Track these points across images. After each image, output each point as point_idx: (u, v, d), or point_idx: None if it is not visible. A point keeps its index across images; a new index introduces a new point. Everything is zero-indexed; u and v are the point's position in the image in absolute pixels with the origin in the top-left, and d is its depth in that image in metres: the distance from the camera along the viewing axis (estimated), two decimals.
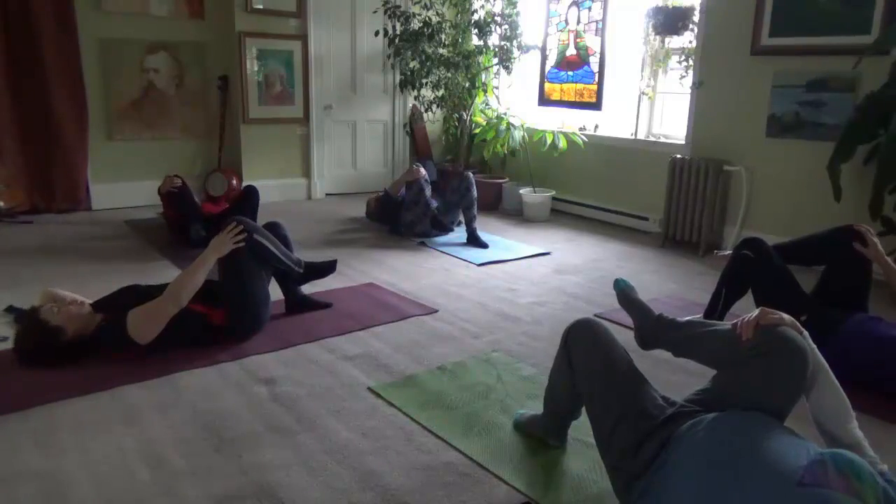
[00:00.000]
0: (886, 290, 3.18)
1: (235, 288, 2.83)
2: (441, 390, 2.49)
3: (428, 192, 4.78)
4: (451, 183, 4.86)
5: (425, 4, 5.66)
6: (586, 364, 1.85)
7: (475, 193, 4.68)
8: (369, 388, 2.49)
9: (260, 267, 2.93)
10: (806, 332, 1.61)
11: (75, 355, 2.59)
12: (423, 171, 4.83)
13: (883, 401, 2.46)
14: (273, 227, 3.16)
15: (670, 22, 4.80)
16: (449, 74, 5.81)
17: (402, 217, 4.78)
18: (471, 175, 4.74)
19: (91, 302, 2.73)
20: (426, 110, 6.17)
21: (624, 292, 2.25)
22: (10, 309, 3.14)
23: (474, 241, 4.61)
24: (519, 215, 5.72)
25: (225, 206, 4.87)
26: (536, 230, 5.25)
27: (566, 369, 1.93)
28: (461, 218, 4.82)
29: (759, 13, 4.29)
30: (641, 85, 5.21)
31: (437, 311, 3.35)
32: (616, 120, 5.54)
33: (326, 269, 3.29)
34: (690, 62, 4.81)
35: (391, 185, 5.06)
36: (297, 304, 3.24)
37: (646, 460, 1.56)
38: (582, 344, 1.89)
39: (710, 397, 1.64)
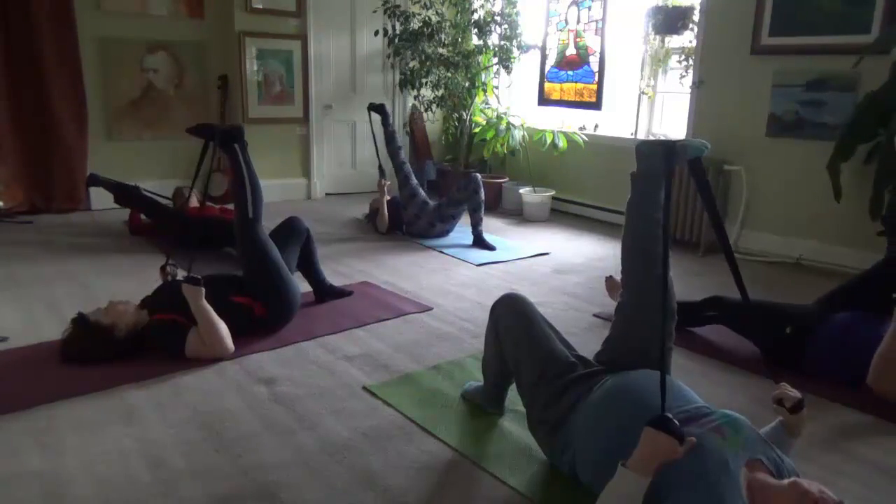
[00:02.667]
0: None
1: (268, 280, 2.92)
2: (438, 389, 2.49)
3: (414, 181, 4.83)
4: (458, 182, 4.85)
5: (425, 4, 5.66)
6: (511, 333, 2.05)
7: (482, 196, 4.65)
8: (365, 388, 2.49)
9: (285, 257, 3.09)
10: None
11: (131, 350, 2.63)
12: (383, 181, 4.86)
13: (884, 401, 2.45)
14: (294, 223, 3.35)
15: (670, 21, 4.80)
16: (449, 74, 5.80)
17: (403, 216, 4.79)
18: (479, 177, 4.71)
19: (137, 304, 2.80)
20: (426, 110, 6.17)
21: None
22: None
23: (480, 242, 4.60)
24: (519, 215, 5.72)
25: (212, 208, 4.79)
26: (536, 230, 5.25)
27: (494, 339, 2.14)
28: (463, 223, 4.83)
29: (759, 13, 4.29)
30: (641, 84, 5.21)
31: (431, 308, 3.36)
32: (616, 119, 5.54)
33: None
34: (690, 62, 4.81)
35: (379, 218, 4.88)
36: (326, 294, 3.42)
37: (563, 411, 1.81)
38: (506, 316, 2.08)
39: (614, 347, 1.95)
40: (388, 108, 6.43)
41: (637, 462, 1.41)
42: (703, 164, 1.80)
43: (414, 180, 4.87)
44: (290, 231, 3.31)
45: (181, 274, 2.76)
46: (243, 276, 2.98)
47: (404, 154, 4.97)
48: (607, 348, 1.98)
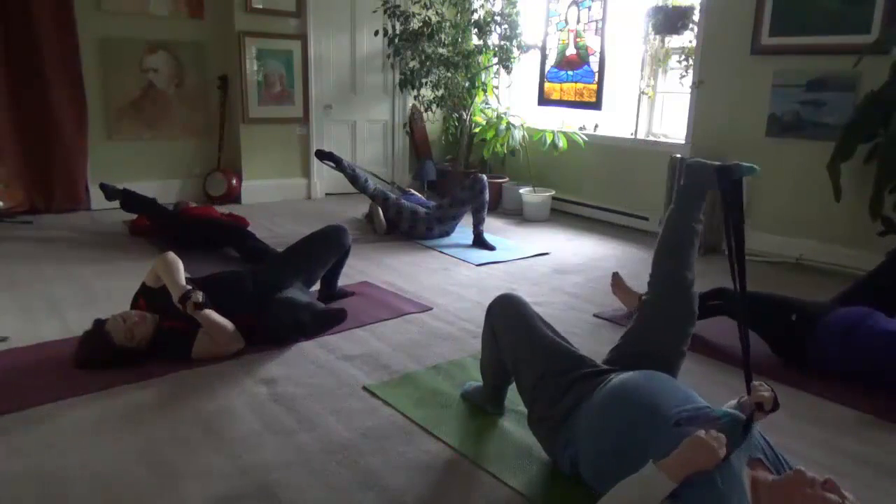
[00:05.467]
0: None
1: (284, 331, 2.86)
2: (438, 389, 2.49)
3: (393, 197, 4.80)
4: (462, 182, 4.85)
5: (425, 4, 5.66)
6: (509, 333, 2.05)
7: (487, 196, 4.64)
8: (365, 388, 2.49)
9: (314, 266, 3.12)
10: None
11: (139, 359, 2.61)
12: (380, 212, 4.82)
13: (883, 401, 2.46)
14: (341, 239, 3.26)
15: (670, 21, 4.80)
16: (449, 74, 5.80)
17: (399, 227, 4.79)
18: (485, 178, 4.70)
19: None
20: (426, 110, 6.17)
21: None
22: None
23: (480, 242, 4.60)
24: (519, 215, 5.72)
25: (213, 209, 4.82)
26: (536, 230, 5.25)
27: (491, 341, 2.13)
28: (462, 223, 4.83)
29: (759, 12, 4.29)
30: (641, 84, 5.21)
31: (431, 308, 3.36)
32: (616, 119, 5.54)
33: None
34: (690, 62, 4.81)
35: (375, 222, 4.89)
36: (331, 296, 3.37)
37: (566, 409, 1.81)
38: (503, 317, 2.09)
39: (629, 342, 2.00)
40: (388, 107, 6.50)
41: (671, 465, 1.39)
42: (742, 186, 1.91)
43: (392, 196, 4.84)
44: (335, 245, 3.24)
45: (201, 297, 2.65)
46: (261, 304, 2.84)
47: (372, 181, 4.87)
48: (622, 343, 2.03)
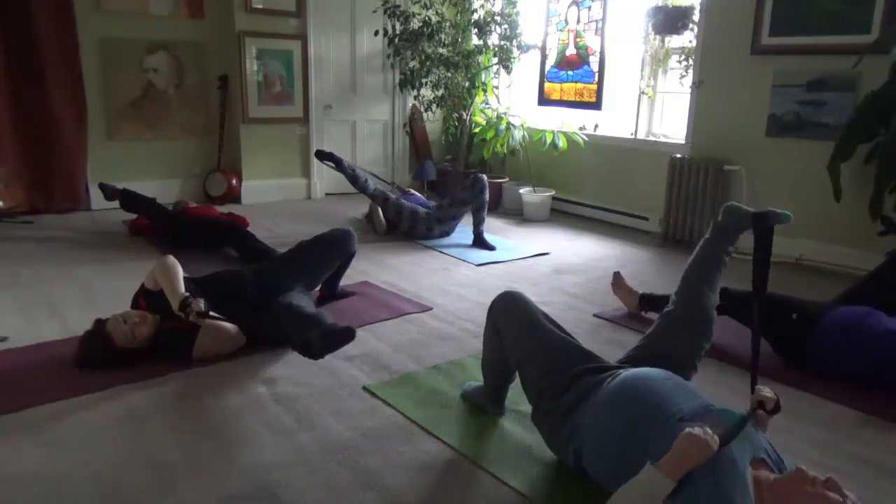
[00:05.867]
0: None
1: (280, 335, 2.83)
2: (438, 389, 2.49)
3: (393, 197, 4.80)
4: (462, 182, 4.84)
5: (425, 4, 5.67)
6: (513, 330, 2.05)
7: (487, 196, 4.64)
8: (365, 388, 2.49)
9: (316, 271, 3.13)
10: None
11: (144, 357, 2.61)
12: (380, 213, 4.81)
13: (883, 401, 2.46)
14: (349, 245, 3.25)
15: (670, 21, 4.80)
16: (449, 74, 5.81)
17: (399, 227, 4.80)
18: (485, 178, 4.70)
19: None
20: (426, 110, 6.17)
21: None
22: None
23: (480, 242, 4.61)
24: (519, 215, 5.72)
25: (213, 209, 4.84)
26: (536, 230, 5.25)
27: (493, 339, 2.14)
28: (462, 223, 4.82)
29: (759, 12, 4.29)
30: (641, 84, 5.21)
31: (431, 308, 3.36)
32: (616, 119, 5.54)
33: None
34: (690, 62, 4.81)
35: (375, 222, 4.90)
36: (332, 296, 3.36)
37: (570, 404, 1.82)
38: (506, 314, 2.10)
39: (646, 343, 2.07)
40: (388, 107, 6.51)
41: (668, 464, 1.39)
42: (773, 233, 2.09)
43: (392, 196, 4.83)
44: (341, 249, 3.22)
45: (202, 304, 2.63)
46: (262, 307, 2.83)
47: (372, 181, 4.87)
48: (637, 346, 2.10)
